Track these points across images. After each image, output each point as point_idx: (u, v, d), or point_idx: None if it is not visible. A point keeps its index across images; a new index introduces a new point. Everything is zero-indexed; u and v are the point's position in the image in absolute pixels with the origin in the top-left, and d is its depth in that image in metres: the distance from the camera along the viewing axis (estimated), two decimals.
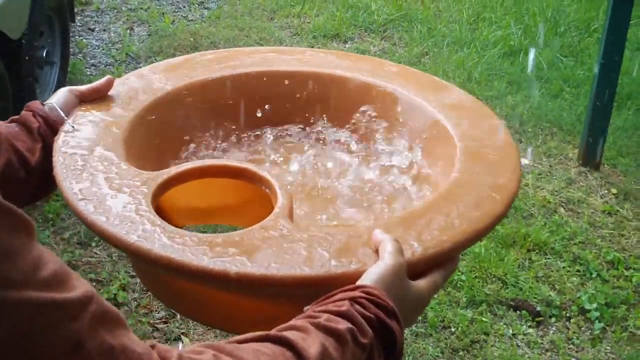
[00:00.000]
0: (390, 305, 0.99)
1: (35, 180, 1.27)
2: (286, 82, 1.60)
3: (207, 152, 1.52)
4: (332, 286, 1.01)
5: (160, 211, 1.27)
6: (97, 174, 1.22)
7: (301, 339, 0.91)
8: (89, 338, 0.75)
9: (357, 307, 0.97)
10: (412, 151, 1.49)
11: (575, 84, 5.04)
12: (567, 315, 3.18)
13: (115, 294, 3.07)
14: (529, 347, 3.01)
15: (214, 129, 1.55)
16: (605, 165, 4.21)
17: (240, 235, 1.11)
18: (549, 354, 3.00)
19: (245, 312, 1.20)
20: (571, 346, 3.04)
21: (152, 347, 0.82)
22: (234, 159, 1.48)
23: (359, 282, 1.02)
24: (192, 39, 5.46)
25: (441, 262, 1.12)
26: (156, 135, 1.46)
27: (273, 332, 0.92)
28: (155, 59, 5.09)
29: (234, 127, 1.58)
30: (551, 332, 3.10)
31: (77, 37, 5.40)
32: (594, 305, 3.19)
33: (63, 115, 1.35)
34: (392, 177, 1.47)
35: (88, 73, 4.94)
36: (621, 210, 3.84)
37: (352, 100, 1.57)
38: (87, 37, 5.51)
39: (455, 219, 1.17)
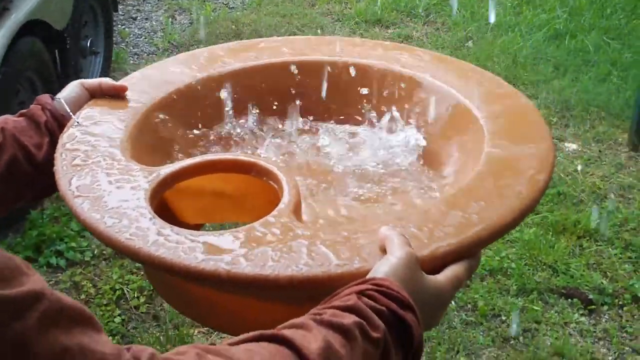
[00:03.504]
0: (404, 296, 0.92)
1: (44, 175, 1.25)
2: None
3: (222, 147, 1.46)
4: (333, 287, 0.94)
5: (169, 209, 1.24)
6: (98, 170, 1.19)
7: (301, 335, 0.84)
8: (37, 340, 0.69)
9: (366, 299, 0.90)
10: (431, 137, 1.44)
11: (622, 68, 4.92)
12: (620, 303, 3.12)
13: None
14: (582, 336, 2.95)
15: (227, 123, 1.50)
16: None
17: (239, 233, 1.04)
18: (601, 342, 2.94)
19: (251, 315, 1.12)
20: (624, 334, 2.98)
21: (128, 349, 0.76)
22: (249, 154, 1.42)
23: (368, 276, 0.95)
24: (233, 27, 5.45)
25: (456, 260, 1.03)
26: (167, 131, 1.41)
27: (269, 330, 0.86)
28: (197, 47, 5.07)
29: (245, 122, 1.52)
30: (604, 320, 3.04)
31: (119, 26, 5.41)
32: None
33: (68, 110, 1.34)
34: (405, 165, 1.41)
35: (131, 62, 4.95)
36: None
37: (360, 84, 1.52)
38: (130, 26, 5.52)
39: (474, 214, 1.08)
